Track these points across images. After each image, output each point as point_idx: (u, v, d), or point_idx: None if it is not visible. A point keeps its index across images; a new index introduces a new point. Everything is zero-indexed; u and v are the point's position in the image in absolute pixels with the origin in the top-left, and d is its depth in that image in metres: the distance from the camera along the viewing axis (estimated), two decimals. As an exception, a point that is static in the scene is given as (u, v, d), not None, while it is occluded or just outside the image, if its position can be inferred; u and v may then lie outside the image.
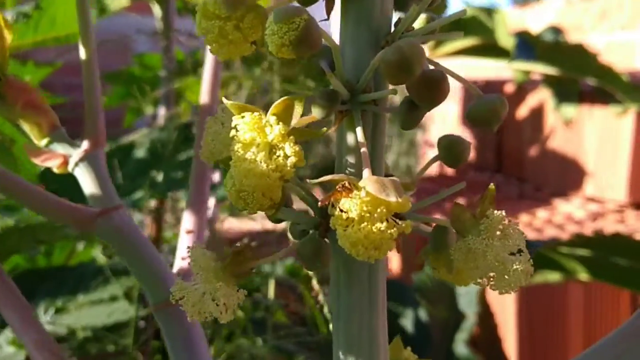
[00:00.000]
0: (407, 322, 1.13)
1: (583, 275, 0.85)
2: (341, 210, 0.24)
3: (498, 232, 0.25)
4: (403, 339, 1.13)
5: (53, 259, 1.17)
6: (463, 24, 1.15)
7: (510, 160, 1.58)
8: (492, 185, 0.26)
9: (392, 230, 0.23)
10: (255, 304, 0.98)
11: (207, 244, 1.12)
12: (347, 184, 0.24)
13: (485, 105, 0.26)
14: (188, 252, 0.28)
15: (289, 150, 0.24)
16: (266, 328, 0.93)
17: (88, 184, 0.40)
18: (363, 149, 0.26)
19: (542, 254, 0.86)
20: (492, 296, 1.18)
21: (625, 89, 1.12)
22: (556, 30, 1.25)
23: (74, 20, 0.78)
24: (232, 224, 1.38)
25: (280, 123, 0.24)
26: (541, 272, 0.95)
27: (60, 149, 0.40)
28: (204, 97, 0.51)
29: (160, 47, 1.28)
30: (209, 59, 0.51)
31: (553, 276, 0.94)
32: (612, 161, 1.28)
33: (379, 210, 0.23)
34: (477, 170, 1.66)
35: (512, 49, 1.08)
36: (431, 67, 0.27)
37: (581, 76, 1.16)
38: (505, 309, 1.15)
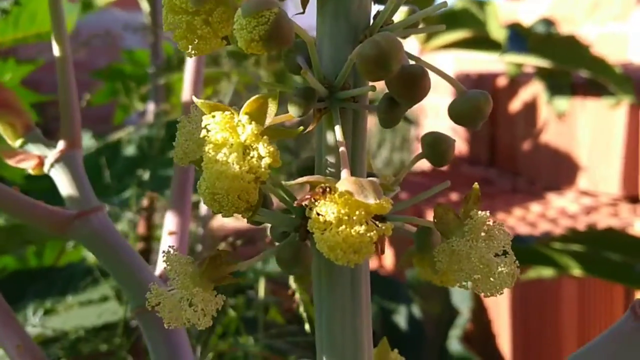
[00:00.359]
0: (401, 318, 1.12)
1: (576, 271, 0.84)
2: (318, 214, 0.23)
3: (482, 233, 0.24)
4: (396, 335, 1.12)
5: (44, 259, 1.16)
6: (455, 17, 1.14)
7: (503, 154, 1.58)
8: (476, 185, 0.25)
9: (372, 233, 0.22)
10: (249, 302, 0.97)
11: (202, 243, 1.11)
12: (324, 186, 0.23)
13: (469, 101, 0.25)
14: (163, 256, 0.27)
15: (263, 151, 0.23)
16: (258, 326, 0.92)
17: (64, 185, 0.38)
18: (342, 149, 0.25)
19: (535, 249, 0.85)
20: (486, 291, 1.17)
21: (617, 81, 1.11)
22: (548, 23, 1.24)
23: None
24: (224, 221, 1.37)
25: (253, 122, 0.23)
26: (535, 267, 0.95)
27: (35, 149, 0.39)
28: (185, 94, 0.49)
29: (148, 43, 1.27)
30: (191, 55, 0.50)
31: (546, 272, 0.93)
32: (605, 154, 1.27)
33: (357, 212, 0.22)
34: (470, 164, 1.65)
35: (504, 41, 1.07)
36: (411, 62, 0.26)
37: (573, 68, 1.15)
38: (499, 305, 1.14)
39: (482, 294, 0.24)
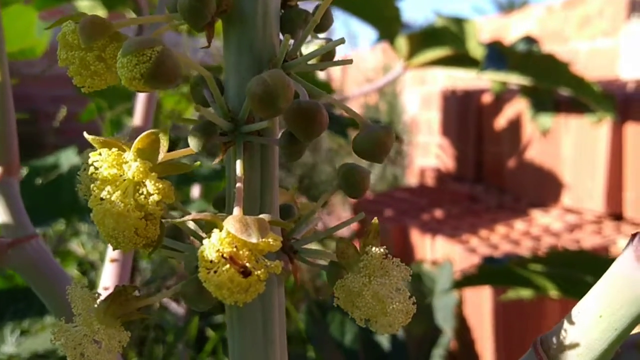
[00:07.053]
0: (383, 338, 1.11)
1: (553, 292, 0.83)
2: (203, 252, 0.22)
3: (379, 270, 0.24)
4: (379, 355, 1.10)
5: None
6: (435, 35, 1.14)
7: (489, 171, 1.57)
8: (375, 220, 0.25)
9: (260, 272, 0.22)
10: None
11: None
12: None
13: (369, 137, 0.25)
14: (67, 292, 0.27)
15: (151, 188, 0.23)
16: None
17: (-1, 213, 0.38)
18: (238, 184, 0.25)
19: (513, 271, 0.84)
20: (470, 311, 1.17)
21: (597, 99, 1.11)
22: (530, 40, 1.24)
23: (26, 35, 0.77)
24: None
25: (139, 159, 0.23)
26: (514, 288, 0.94)
27: (-29, 177, 0.39)
28: (136, 119, 0.49)
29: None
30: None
31: (526, 293, 0.92)
32: (589, 171, 1.26)
33: (241, 252, 0.22)
34: (457, 180, 1.64)
35: (482, 59, 1.07)
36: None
37: (553, 86, 1.15)
38: (483, 324, 1.13)
39: (377, 332, 0.23)
